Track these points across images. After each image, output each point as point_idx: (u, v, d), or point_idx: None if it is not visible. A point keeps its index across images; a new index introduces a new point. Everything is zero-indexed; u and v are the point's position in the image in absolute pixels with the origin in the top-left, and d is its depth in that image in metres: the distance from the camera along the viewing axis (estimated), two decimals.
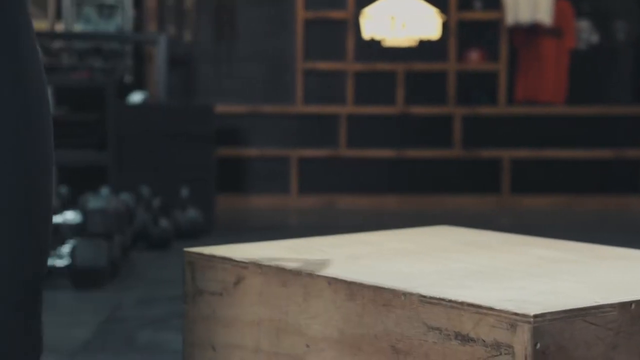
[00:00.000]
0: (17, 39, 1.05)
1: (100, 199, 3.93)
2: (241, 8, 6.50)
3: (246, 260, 1.50)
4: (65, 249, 3.77)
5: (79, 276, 3.59)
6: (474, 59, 6.52)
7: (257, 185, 6.54)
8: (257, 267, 1.48)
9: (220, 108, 6.23)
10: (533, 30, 6.37)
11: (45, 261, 1.07)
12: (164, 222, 4.55)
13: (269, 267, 1.46)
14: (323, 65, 6.54)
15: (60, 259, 3.71)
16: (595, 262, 1.51)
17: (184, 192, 4.86)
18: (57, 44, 5.72)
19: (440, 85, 6.56)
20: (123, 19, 5.84)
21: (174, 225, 4.73)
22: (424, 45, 6.47)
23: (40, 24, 5.98)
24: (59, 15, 6.08)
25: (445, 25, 6.46)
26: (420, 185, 6.52)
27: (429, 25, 6.33)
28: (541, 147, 6.50)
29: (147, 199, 4.70)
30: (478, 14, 6.51)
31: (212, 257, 1.54)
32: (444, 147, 6.53)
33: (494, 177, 6.51)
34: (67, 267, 3.63)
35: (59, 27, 5.96)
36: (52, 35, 5.79)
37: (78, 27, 5.81)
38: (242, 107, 6.49)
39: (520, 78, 6.49)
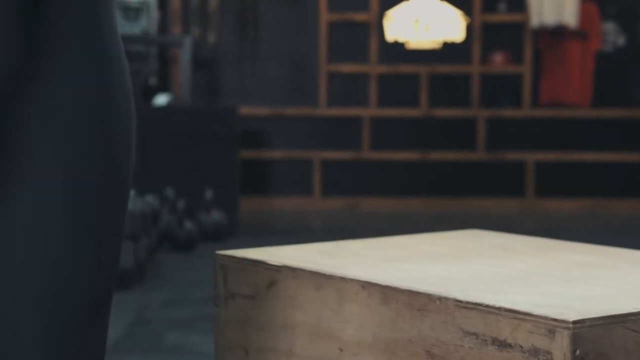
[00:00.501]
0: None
1: None
2: (265, 10, 6.51)
3: (279, 264, 1.50)
4: None
5: None
6: (498, 61, 6.50)
7: (280, 188, 6.54)
8: (290, 270, 1.48)
9: (244, 110, 6.24)
10: (558, 33, 6.33)
11: (116, 271, 1.02)
12: (188, 224, 4.56)
13: (303, 270, 1.46)
14: (346, 68, 6.54)
15: None
16: (631, 267, 1.49)
17: (208, 194, 4.87)
18: None
19: (464, 88, 6.54)
20: (148, 21, 5.86)
21: (199, 227, 4.74)
22: (448, 47, 6.45)
23: None
24: None
25: (469, 28, 6.44)
26: (444, 188, 6.50)
27: (453, 27, 6.31)
28: (566, 150, 6.46)
29: (172, 201, 4.71)
30: (502, 16, 6.49)
31: (244, 260, 1.54)
32: (467, 149, 6.50)
33: (518, 180, 6.48)
34: None
35: None
36: None
37: None
38: (265, 109, 6.50)
39: (545, 80, 6.45)
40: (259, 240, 4.91)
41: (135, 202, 3.99)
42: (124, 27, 5.85)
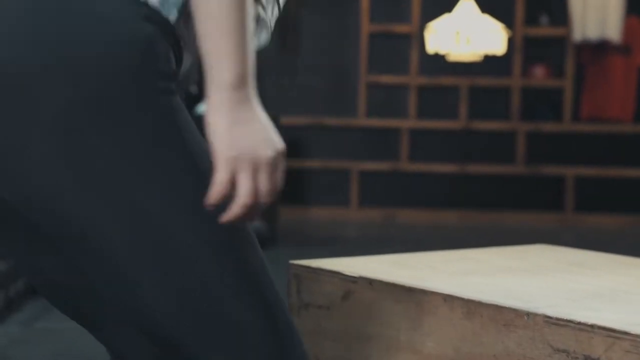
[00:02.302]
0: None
1: None
2: (305, 19, 6.51)
3: (355, 275, 1.48)
4: None
5: None
6: (539, 74, 6.45)
7: (317, 197, 6.53)
8: (367, 281, 1.46)
9: (284, 120, 6.24)
10: (601, 47, 6.28)
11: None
12: None
13: (380, 281, 1.44)
14: (386, 79, 6.52)
15: None
16: None
17: None
18: None
19: (504, 101, 6.50)
20: None
21: None
22: (489, 60, 6.42)
23: None
24: None
25: (510, 40, 6.40)
26: (482, 201, 6.46)
27: (494, 40, 6.28)
28: (606, 165, 6.39)
29: None
30: (544, 30, 6.45)
31: (318, 270, 1.53)
32: (506, 163, 6.46)
33: (557, 195, 6.42)
34: None
35: None
36: None
37: None
38: (305, 118, 6.50)
39: (587, 95, 6.40)
40: (300, 249, 4.90)
41: None
42: None
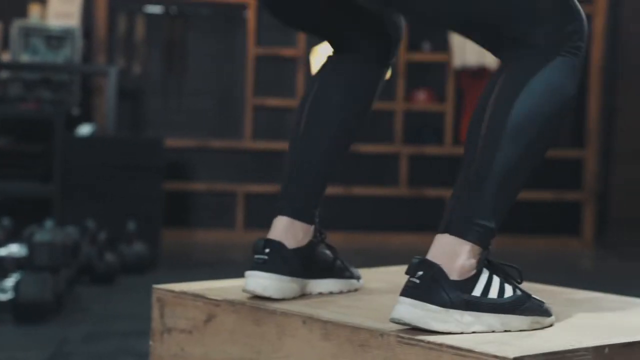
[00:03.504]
0: None
1: (46, 232, 3.86)
2: (192, 41, 6.49)
3: (218, 298, 1.49)
4: (9, 282, 3.68)
5: (23, 310, 3.51)
6: (422, 99, 6.62)
7: (203, 220, 6.49)
8: (230, 304, 1.47)
9: (169, 142, 6.19)
10: (479, 73, 6.50)
11: None
12: (109, 256, 4.48)
13: (242, 304, 1.45)
14: (272, 102, 6.56)
15: (3, 292, 3.61)
16: (565, 304, 1.53)
17: (131, 225, 4.80)
18: (4, 75, 5.63)
19: (387, 124, 6.63)
20: (72, 50, 5.78)
21: (120, 259, 4.66)
22: None
23: None
24: (5, 45, 6.00)
25: (393, 66, 6.54)
26: (367, 223, 6.55)
27: None
28: None
29: (93, 232, 4.62)
30: (426, 56, 6.62)
31: (182, 294, 1.53)
32: (390, 185, 6.58)
33: (439, 217, 6.56)
34: (10, 301, 3.54)
35: (6, 57, 5.87)
36: None
37: (25, 58, 5.74)
38: (191, 141, 6.46)
39: (466, 119, 6.60)
40: (182, 273, 4.85)
41: (56, 233, 3.90)
42: (47, 55, 5.76)
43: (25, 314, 3.51)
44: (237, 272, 1.78)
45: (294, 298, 1.51)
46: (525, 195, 6.55)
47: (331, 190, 6.53)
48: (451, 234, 1.36)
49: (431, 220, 6.60)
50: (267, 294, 1.46)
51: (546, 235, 6.62)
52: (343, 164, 1.68)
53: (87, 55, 6.22)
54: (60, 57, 5.78)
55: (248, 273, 1.50)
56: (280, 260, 1.48)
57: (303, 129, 1.60)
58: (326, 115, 1.58)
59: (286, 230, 1.53)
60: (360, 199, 6.56)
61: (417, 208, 6.58)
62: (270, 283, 1.46)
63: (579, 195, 6.65)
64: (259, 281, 1.47)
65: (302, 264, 1.50)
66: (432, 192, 6.55)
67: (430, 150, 6.60)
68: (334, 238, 6.46)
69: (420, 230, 6.55)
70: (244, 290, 1.48)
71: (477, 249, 1.35)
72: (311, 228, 1.58)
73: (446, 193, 6.56)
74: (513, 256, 6.16)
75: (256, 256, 1.52)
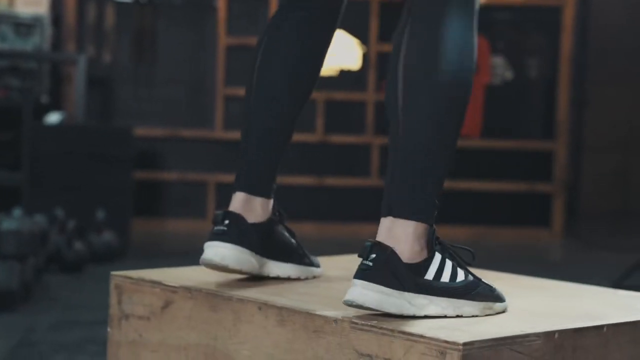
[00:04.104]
0: None
1: (13, 220, 3.84)
2: (162, 31, 6.46)
3: (176, 284, 1.49)
4: None
5: None
6: None
7: (173, 210, 6.48)
8: (187, 291, 1.47)
9: (139, 131, 6.16)
10: None
11: None
12: (78, 245, 4.46)
13: (199, 291, 1.46)
14: (243, 92, 6.54)
15: None
16: (519, 291, 1.55)
17: (100, 214, 4.78)
18: None
19: (359, 115, 6.64)
20: (41, 38, 5.73)
21: (89, 248, 4.64)
22: (344, 75, 6.55)
23: None
24: None
25: (365, 56, 6.56)
26: (338, 213, 6.57)
27: (349, 55, 6.42)
28: (456, 178, 6.63)
29: (62, 221, 4.60)
30: None
31: (140, 281, 1.53)
32: (362, 175, 6.60)
33: None
34: None
35: None
36: None
37: None
38: (161, 130, 6.44)
39: None
40: (151, 262, 4.83)
41: (23, 222, 3.87)
42: (15, 42, 5.71)
43: None
44: None
45: (250, 279, 1.52)
46: (495, 186, 6.59)
47: (302, 180, 6.54)
48: (394, 216, 1.36)
49: None
50: (224, 262, 1.46)
51: (516, 226, 6.67)
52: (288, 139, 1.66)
53: (57, 43, 6.17)
54: (29, 44, 5.73)
55: (207, 244, 1.50)
56: (238, 231, 1.48)
57: (255, 90, 1.58)
58: (277, 72, 1.56)
59: (243, 205, 1.53)
60: (332, 190, 6.57)
61: None
62: (228, 253, 1.46)
63: (549, 187, 6.71)
64: (218, 250, 1.47)
65: (260, 240, 1.50)
66: None
67: None
68: (306, 228, 6.48)
69: None
70: (202, 262, 1.48)
71: (422, 226, 1.35)
72: (269, 203, 1.58)
73: None
74: (482, 247, 6.20)
75: (215, 227, 1.52)
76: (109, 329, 1.57)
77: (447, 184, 6.07)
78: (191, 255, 5.59)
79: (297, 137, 7.13)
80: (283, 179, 6.50)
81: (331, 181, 6.55)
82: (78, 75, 5.48)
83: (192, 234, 6.30)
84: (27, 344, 3.07)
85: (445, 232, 6.53)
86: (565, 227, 6.78)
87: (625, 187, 8.15)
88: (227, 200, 6.11)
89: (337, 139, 6.58)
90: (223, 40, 6.50)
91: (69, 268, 4.43)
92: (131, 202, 5.14)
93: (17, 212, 4.32)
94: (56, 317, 3.49)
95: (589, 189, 7.94)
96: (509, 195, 6.65)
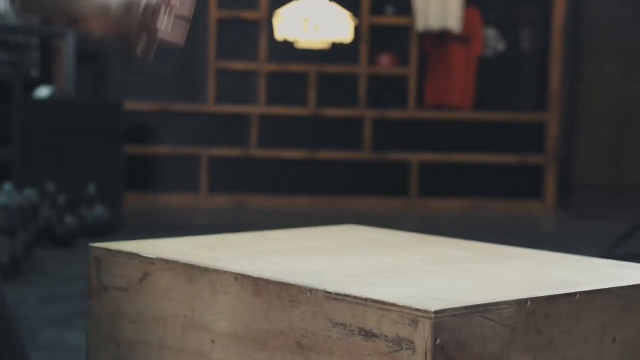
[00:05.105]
0: None
1: (4, 195, 3.84)
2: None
3: (153, 256, 1.49)
4: None
5: None
6: (385, 63, 6.61)
7: (167, 184, 6.48)
8: (164, 262, 1.47)
9: (131, 105, 6.15)
10: (442, 37, 6.50)
11: None
12: (69, 219, 4.46)
13: (176, 262, 1.46)
14: (236, 65, 6.53)
15: None
16: (494, 260, 1.56)
17: (91, 189, 4.78)
18: None
19: (351, 88, 6.63)
20: None
21: (80, 223, 4.65)
22: (336, 48, 6.53)
23: None
24: None
25: (357, 29, 6.53)
26: (331, 187, 6.58)
27: (341, 28, 6.39)
28: (449, 151, 6.63)
29: (53, 195, 4.60)
30: (390, 19, 6.61)
31: (118, 253, 1.53)
32: (354, 149, 6.60)
33: (403, 180, 6.61)
34: None
35: None
36: None
37: None
38: (153, 104, 6.42)
39: (430, 83, 6.61)
40: (143, 236, 4.85)
41: (14, 196, 3.87)
42: (5, 17, 5.67)
43: None
44: (202, 235, 1.79)
45: (227, 251, 1.52)
46: (487, 158, 6.60)
47: (295, 154, 6.54)
48: None
49: (394, 183, 6.66)
50: None
51: (509, 198, 6.68)
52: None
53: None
54: (18, 18, 5.69)
55: None
56: None
57: None
58: None
59: None
60: (324, 163, 6.57)
61: (381, 172, 6.61)
62: None
63: (542, 159, 6.71)
64: None
65: None
66: (395, 156, 6.58)
67: (394, 114, 6.61)
68: (298, 201, 6.49)
69: (383, 193, 6.59)
70: None
71: None
72: None
73: (409, 157, 6.60)
74: (475, 219, 6.22)
75: None
76: (89, 301, 1.57)
77: (439, 156, 6.14)
78: (183, 229, 5.62)
79: (290, 110, 7.19)
80: (275, 153, 6.52)
81: (323, 154, 6.55)
82: (68, 49, 5.46)
83: (185, 208, 6.31)
84: (17, 318, 3.08)
85: (438, 204, 6.55)
86: (557, 199, 6.79)
87: (619, 159, 8.16)
88: (220, 174, 6.12)
89: (330, 112, 6.57)
90: (214, 13, 6.47)
91: (60, 242, 4.44)
92: (122, 177, 5.14)
93: (7, 186, 4.32)
94: (45, 291, 3.50)
95: (583, 162, 7.95)
96: (502, 168, 6.66)
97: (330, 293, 1.28)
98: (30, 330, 2.93)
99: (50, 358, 2.64)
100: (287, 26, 6.26)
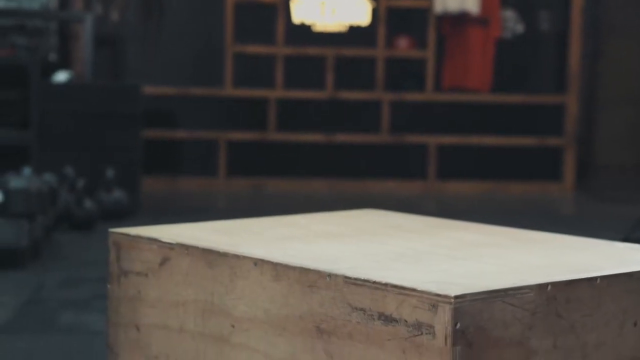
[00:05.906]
0: None
1: (23, 179, 3.86)
2: None
3: (172, 241, 1.50)
4: None
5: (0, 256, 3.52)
6: (403, 45, 6.58)
7: (185, 168, 6.49)
8: (184, 247, 1.48)
9: (149, 89, 6.16)
10: (460, 19, 6.46)
11: None
12: (88, 203, 4.48)
13: (196, 247, 1.46)
14: (253, 49, 6.52)
15: None
16: (515, 245, 1.55)
17: (110, 173, 4.80)
18: None
19: (369, 71, 6.61)
20: None
21: (99, 207, 4.67)
22: (354, 30, 6.50)
23: None
24: None
25: (374, 12, 6.50)
26: (348, 170, 6.57)
27: (358, 11, 6.36)
28: (466, 133, 6.60)
29: (71, 179, 4.63)
30: (407, 2, 6.57)
31: (137, 238, 1.54)
32: (372, 132, 6.58)
33: (421, 163, 6.59)
34: None
35: None
36: None
37: (0, 3, 5.67)
38: (171, 88, 6.43)
39: (448, 65, 6.57)
40: (161, 220, 4.86)
41: (32, 180, 3.89)
42: (23, 1, 5.68)
43: (2, 260, 3.53)
44: (220, 219, 1.79)
45: (246, 235, 1.52)
46: (506, 140, 6.57)
47: (312, 137, 6.53)
48: None
49: (412, 166, 6.64)
50: None
51: (527, 180, 6.65)
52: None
53: (64, 1, 6.14)
54: (35, 3, 5.70)
55: None
56: None
57: None
58: None
59: None
60: (342, 146, 6.56)
61: (399, 154, 6.59)
62: None
63: (561, 140, 6.67)
64: None
65: None
66: (413, 139, 6.56)
67: (412, 96, 6.59)
68: (316, 185, 6.49)
69: (401, 176, 6.57)
70: None
71: None
72: None
73: (427, 139, 6.58)
74: (493, 201, 6.20)
75: None
76: (108, 285, 1.58)
77: (458, 138, 6.11)
78: (202, 213, 5.63)
79: (307, 94, 7.17)
80: (293, 136, 6.51)
81: (341, 138, 6.54)
82: (85, 34, 5.46)
83: (203, 192, 6.32)
84: (37, 301, 3.10)
85: (457, 187, 6.53)
86: (577, 181, 6.75)
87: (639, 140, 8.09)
88: (238, 158, 6.11)
89: (347, 95, 6.55)
90: None
91: (79, 226, 4.46)
92: (141, 161, 5.16)
93: (26, 171, 4.34)
94: (65, 274, 3.52)
95: (602, 143, 7.89)
96: (520, 150, 6.62)
97: (349, 278, 1.28)
98: (49, 313, 2.95)
99: (70, 341, 2.66)
100: (304, 9, 6.23)
